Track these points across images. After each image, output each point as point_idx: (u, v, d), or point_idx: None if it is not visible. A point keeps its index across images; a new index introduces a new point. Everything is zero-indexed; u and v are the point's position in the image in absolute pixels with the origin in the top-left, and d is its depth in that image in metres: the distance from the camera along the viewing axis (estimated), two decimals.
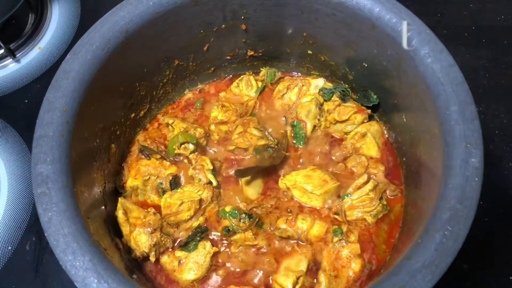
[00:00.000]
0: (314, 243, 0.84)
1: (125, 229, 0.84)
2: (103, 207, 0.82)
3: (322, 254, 0.83)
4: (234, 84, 1.02)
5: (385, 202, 0.86)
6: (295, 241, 0.85)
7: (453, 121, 0.69)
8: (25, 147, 1.05)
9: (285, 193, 0.90)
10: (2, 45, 1.17)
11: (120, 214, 0.84)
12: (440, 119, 0.70)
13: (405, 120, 0.84)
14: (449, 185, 0.66)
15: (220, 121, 0.96)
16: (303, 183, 0.87)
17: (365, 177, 0.87)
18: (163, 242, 0.83)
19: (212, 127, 0.96)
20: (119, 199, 0.86)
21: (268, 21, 0.90)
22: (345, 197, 0.87)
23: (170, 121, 0.96)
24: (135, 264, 0.83)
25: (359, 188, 0.86)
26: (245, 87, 1.01)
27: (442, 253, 0.62)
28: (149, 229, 0.82)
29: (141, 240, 0.82)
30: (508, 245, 0.95)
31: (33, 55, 1.21)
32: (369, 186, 0.86)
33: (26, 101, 1.13)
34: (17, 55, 1.20)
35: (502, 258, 0.94)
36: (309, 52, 0.96)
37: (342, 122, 0.93)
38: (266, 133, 0.94)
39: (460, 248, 0.62)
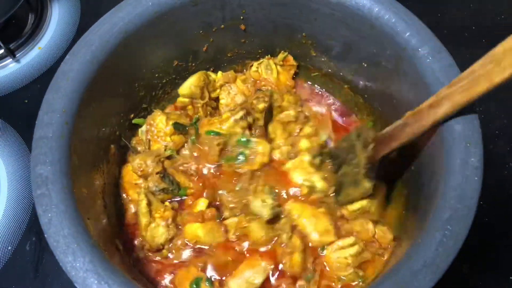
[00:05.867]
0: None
1: (144, 219, 0.83)
2: (103, 207, 0.82)
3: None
4: (254, 68, 1.00)
5: (361, 274, 0.81)
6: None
7: (453, 120, 0.69)
8: (25, 147, 1.05)
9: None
10: (2, 45, 1.17)
11: (143, 204, 0.84)
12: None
13: None
14: (449, 185, 0.66)
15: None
16: (307, 220, 0.84)
17: (352, 239, 0.83)
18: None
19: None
20: (142, 189, 0.87)
21: (267, 21, 0.90)
22: (325, 250, 0.84)
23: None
24: (136, 265, 0.83)
25: (342, 248, 0.83)
26: (264, 71, 0.99)
27: (442, 253, 0.62)
28: (165, 223, 0.83)
29: (158, 232, 0.82)
30: (508, 245, 0.96)
31: (33, 55, 1.21)
32: (352, 250, 0.82)
33: (26, 101, 1.13)
34: (17, 55, 1.20)
35: (502, 258, 0.95)
36: (311, 52, 0.96)
37: None
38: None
39: (460, 248, 0.62)
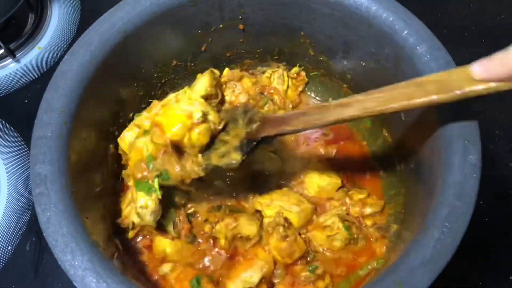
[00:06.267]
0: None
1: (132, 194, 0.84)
2: (102, 207, 0.82)
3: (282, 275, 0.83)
4: (267, 74, 1.00)
5: (348, 226, 0.84)
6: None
7: (451, 118, 0.69)
8: (25, 147, 1.06)
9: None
10: (2, 45, 1.17)
11: None
12: (438, 116, 0.70)
13: (403, 118, 0.84)
14: (447, 182, 0.66)
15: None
16: (279, 200, 0.85)
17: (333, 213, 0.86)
18: None
19: None
20: None
21: (266, 21, 0.91)
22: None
23: None
24: (135, 263, 0.84)
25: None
26: (276, 80, 0.99)
27: (441, 250, 0.62)
28: None
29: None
30: (508, 245, 0.95)
31: (33, 55, 1.21)
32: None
33: (26, 101, 1.13)
34: (17, 55, 1.20)
35: (502, 258, 0.94)
36: (310, 51, 0.96)
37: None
38: None
39: (460, 247, 0.62)
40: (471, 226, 0.63)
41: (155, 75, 0.93)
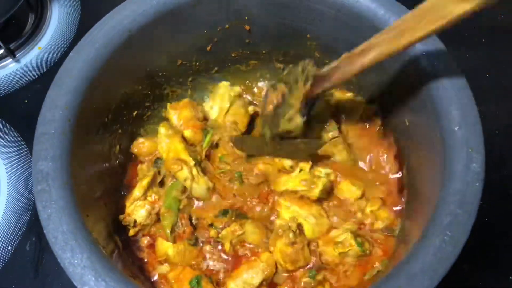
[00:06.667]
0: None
1: (138, 192, 0.85)
2: (103, 205, 0.82)
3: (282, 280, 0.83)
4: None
5: (361, 242, 0.82)
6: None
7: (455, 125, 0.69)
8: (25, 147, 1.05)
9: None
10: (2, 45, 1.17)
11: (146, 180, 0.86)
12: (442, 123, 0.70)
13: (407, 124, 0.84)
14: (449, 190, 0.65)
15: None
16: (298, 206, 0.84)
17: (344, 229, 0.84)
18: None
19: None
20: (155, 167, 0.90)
21: (271, 22, 0.90)
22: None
23: None
24: (135, 262, 0.83)
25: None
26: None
27: (441, 258, 0.61)
28: (150, 208, 0.86)
29: (137, 211, 0.85)
30: (508, 245, 0.96)
31: (33, 55, 1.21)
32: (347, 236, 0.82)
33: (26, 101, 1.13)
34: (17, 55, 1.20)
35: (502, 258, 0.94)
36: (316, 54, 0.95)
37: None
38: None
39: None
40: (471, 226, 0.63)
41: (160, 73, 0.93)
